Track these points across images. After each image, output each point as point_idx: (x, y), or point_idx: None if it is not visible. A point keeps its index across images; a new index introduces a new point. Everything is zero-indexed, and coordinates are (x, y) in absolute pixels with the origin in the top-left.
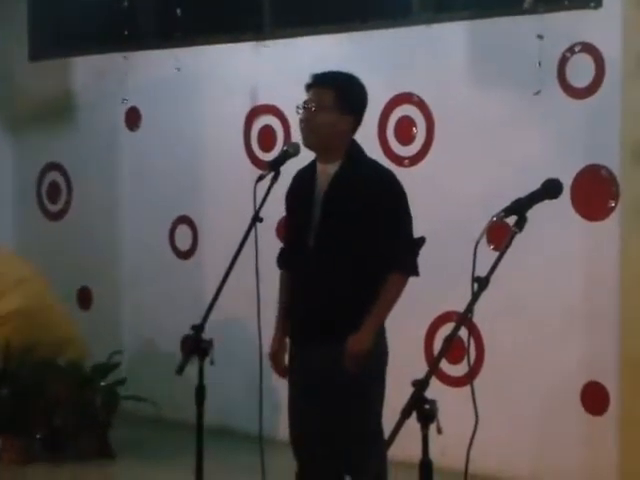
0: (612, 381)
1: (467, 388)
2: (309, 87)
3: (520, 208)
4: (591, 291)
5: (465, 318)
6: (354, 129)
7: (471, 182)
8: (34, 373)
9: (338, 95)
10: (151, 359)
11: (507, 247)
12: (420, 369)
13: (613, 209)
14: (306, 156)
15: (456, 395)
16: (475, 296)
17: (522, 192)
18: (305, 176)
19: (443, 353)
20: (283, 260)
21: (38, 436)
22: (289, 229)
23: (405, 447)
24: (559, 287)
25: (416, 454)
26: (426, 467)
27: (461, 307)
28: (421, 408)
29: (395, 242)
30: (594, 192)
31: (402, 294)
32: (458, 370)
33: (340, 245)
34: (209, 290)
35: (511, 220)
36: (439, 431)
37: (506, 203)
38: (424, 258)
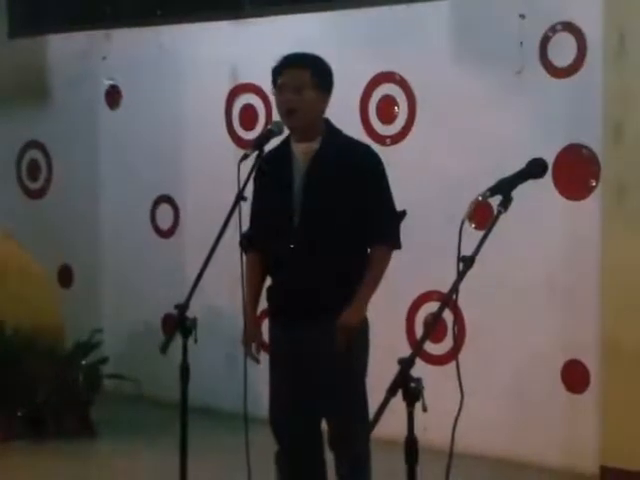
0: (592, 359)
1: (448, 366)
2: (281, 69)
3: (505, 187)
4: (572, 270)
5: (450, 298)
6: (327, 106)
7: (453, 161)
8: (14, 351)
9: (314, 73)
10: (133, 337)
11: (492, 226)
12: (402, 347)
13: (594, 188)
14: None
15: (437, 373)
16: (460, 276)
17: (504, 171)
18: (278, 156)
19: (429, 332)
20: (251, 243)
21: (19, 414)
22: (261, 211)
23: (387, 425)
24: (540, 266)
25: (397, 432)
26: (411, 444)
27: (442, 286)
28: (407, 386)
29: (380, 215)
30: (575, 171)
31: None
32: (438, 349)
33: (326, 221)
34: (190, 269)
35: (495, 199)
36: (424, 409)
37: (487, 182)
38: (406, 237)
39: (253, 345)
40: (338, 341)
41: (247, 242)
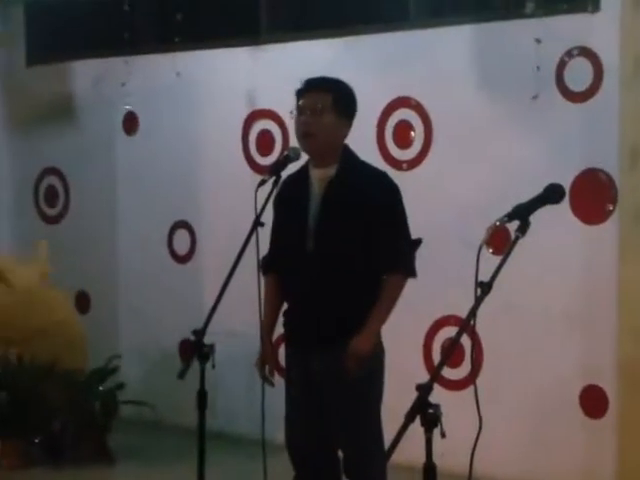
0: (610, 384)
1: (465, 392)
2: (302, 92)
3: (523, 213)
4: (589, 294)
5: (468, 323)
6: (347, 132)
7: (469, 186)
8: (33, 378)
9: (335, 99)
10: (150, 363)
11: (510, 251)
12: (419, 373)
13: (611, 213)
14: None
15: (454, 398)
16: (478, 301)
17: (521, 196)
18: (297, 181)
19: (447, 358)
20: (270, 265)
21: (37, 441)
22: (279, 234)
23: (404, 450)
24: (557, 290)
25: (415, 457)
26: (430, 470)
27: (459, 311)
28: (425, 412)
29: (393, 243)
30: (592, 196)
31: (400, 297)
32: (455, 374)
33: (340, 248)
34: (207, 294)
35: (512, 224)
36: (443, 435)
37: (504, 207)
38: (422, 261)
39: (267, 367)
40: (349, 368)
41: (266, 265)
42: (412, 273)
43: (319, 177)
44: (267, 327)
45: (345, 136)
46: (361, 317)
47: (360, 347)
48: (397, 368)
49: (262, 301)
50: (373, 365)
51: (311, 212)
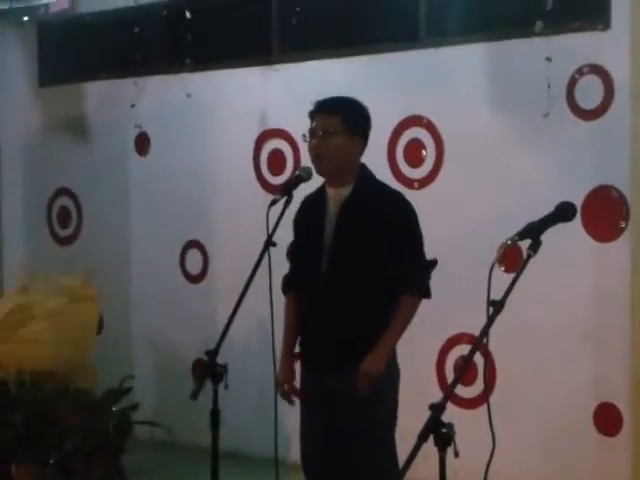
0: (625, 402)
1: (478, 410)
2: (314, 114)
3: (534, 231)
4: (602, 311)
5: (481, 342)
6: (362, 151)
7: (481, 204)
8: (46, 399)
9: (344, 119)
10: (163, 383)
11: (522, 270)
12: (433, 391)
13: (623, 230)
14: (314, 181)
15: (467, 417)
16: (490, 320)
17: (532, 214)
18: (315, 201)
19: (460, 377)
20: (290, 284)
21: (51, 462)
22: (298, 254)
23: (418, 469)
24: (569, 308)
25: (428, 477)
26: None
27: (472, 329)
28: (438, 432)
29: (408, 264)
30: (604, 213)
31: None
32: (468, 392)
33: (354, 268)
34: (220, 314)
35: (524, 242)
36: (456, 454)
37: (516, 225)
38: (434, 279)
39: (286, 385)
40: (360, 388)
41: (286, 284)
42: (427, 294)
43: (335, 197)
44: (286, 346)
45: (359, 155)
46: (374, 337)
47: (372, 367)
48: (410, 386)
49: (274, 321)
50: (384, 385)
51: (327, 232)
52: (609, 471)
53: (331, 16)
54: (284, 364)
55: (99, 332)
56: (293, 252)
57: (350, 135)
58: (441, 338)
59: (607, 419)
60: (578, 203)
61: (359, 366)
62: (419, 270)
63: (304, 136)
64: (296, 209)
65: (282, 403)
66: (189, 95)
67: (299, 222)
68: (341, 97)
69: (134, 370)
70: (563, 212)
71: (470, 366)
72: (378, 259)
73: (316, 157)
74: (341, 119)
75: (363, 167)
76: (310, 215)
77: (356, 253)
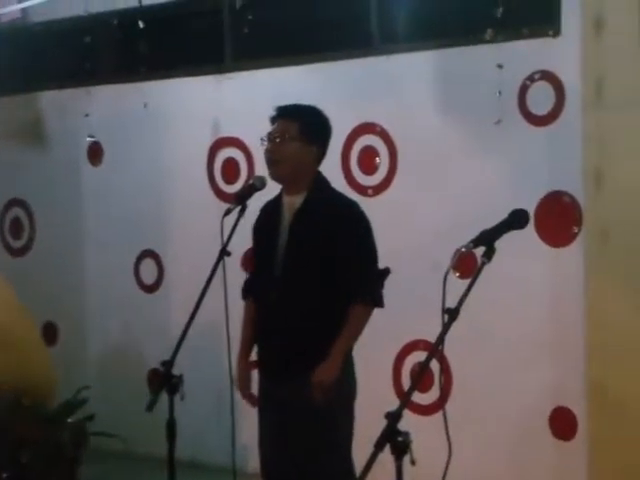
0: (579, 406)
1: (435, 416)
2: (274, 119)
3: (488, 238)
4: (557, 317)
5: (436, 349)
6: (319, 160)
7: (435, 211)
8: None
9: (302, 127)
10: (119, 394)
11: (476, 277)
12: (389, 398)
13: (576, 235)
14: (274, 187)
15: (424, 423)
16: (446, 327)
17: (486, 219)
18: (272, 208)
19: (416, 385)
20: (248, 290)
21: (5, 475)
22: (256, 260)
23: (375, 477)
24: (524, 313)
25: None
26: None
27: (427, 335)
28: (395, 440)
29: (359, 273)
30: (557, 218)
31: (367, 324)
32: (425, 398)
33: (305, 276)
34: (175, 323)
35: (478, 250)
36: (413, 463)
37: (470, 231)
38: (389, 286)
39: (244, 388)
40: (315, 397)
41: (245, 289)
42: (378, 303)
43: (289, 205)
44: (243, 351)
45: (315, 164)
46: (326, 346)
47: (324, 376)
48: (366, 392)
49: (229, 330)
50: (342, 398)
51: (280, 240)
52: (565, 474)
53: (283, 24)
54: (240, 368)
55: (52, 343)
56: (251, 258)
57: (306, 143)
58: (397, 345)
59: (562, 423)
60: (531, 209)
61: (312, 375)
62: (370, 279)
63: (262, 140)
64: (252, 217)
65: (239, 412)
66: (145, 105)
67: (257, 229)
68: (302, 105)
69: (89, 381)
70: (517, 219)
71: (426, 373)
72: (329, 268)
73: (269, 161)
74: (299, 126)
75: (319, 176)
76: (267, 222)
77: (307, 262)
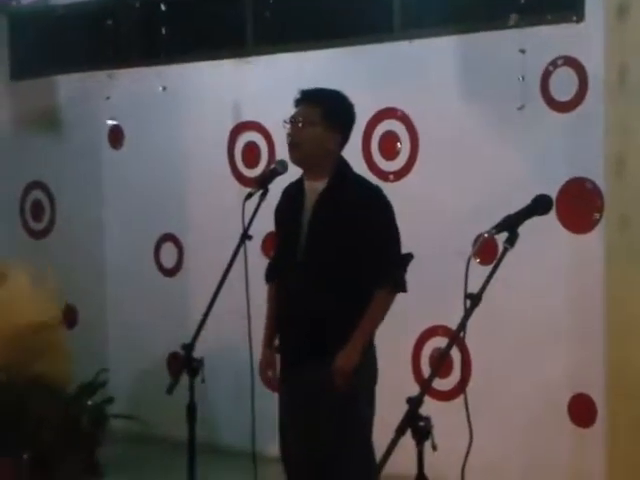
0: (599, 393)
1: (453, 402)
2: (297, 103)
3: (511, 224)
4: (577, 303)
5: (458, 336)
6: (341, 146)
7: (456, 196)
8: (20, 393)
9: (325, 112)
10: (138, 377)
11: (499, 263)
12: (408, 384)
13: (598, 221)
14: (295, 171)
15: (443, 409)
16: (467, 313)
17: (507, 205)
18: (294, 191)
19: (437, 371)
20: (272, 274)
21: (25, 456)
22: (278, 243)
23: (396, 462)
24: (545, 300)
25: (406, 469)
26: None
27: (447, 321)
28: (416, 425)
29: (382, 258)
30: (579, 205)
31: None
32: (445, 384)
33: (328, 261)
34: (195, 307)
35: (498, 236)
36: (434, 448)
37: (491, 216)
38: (411, 272)
39: (270, 372)
40: (336, 384)
41: (268, 273)
42: (402, 288)
43: (311, 189)
44: (266, 334)
45: (337, 150)
46: (348, 331)
47: (344, 363)
48: (386, 378)
49: (250, 314)
50: (363, 384)
51: (303, 224)
52: (584, 461)
53: (305, 8)
54: (264, 353)
55: (72, 326)
56: (274, 241)
57: (328, 128)
58: (416, 330)
59: (581, 410)
60: (553, 195)
61: (333, 360)
62: (393, 264)
63: (284, 122)
64: (273, 202)
65: (260, 396)
66: (164, 88)
67: (279, 213)
68: (327, 90)
69: (109, 363)
70: (539, 205)
71: (446, 358)
72: (352, 253)
73: (290, 144)
74: (321, 111)
75: (341, 161)
76: (289, 207)
77: (330, 246)
